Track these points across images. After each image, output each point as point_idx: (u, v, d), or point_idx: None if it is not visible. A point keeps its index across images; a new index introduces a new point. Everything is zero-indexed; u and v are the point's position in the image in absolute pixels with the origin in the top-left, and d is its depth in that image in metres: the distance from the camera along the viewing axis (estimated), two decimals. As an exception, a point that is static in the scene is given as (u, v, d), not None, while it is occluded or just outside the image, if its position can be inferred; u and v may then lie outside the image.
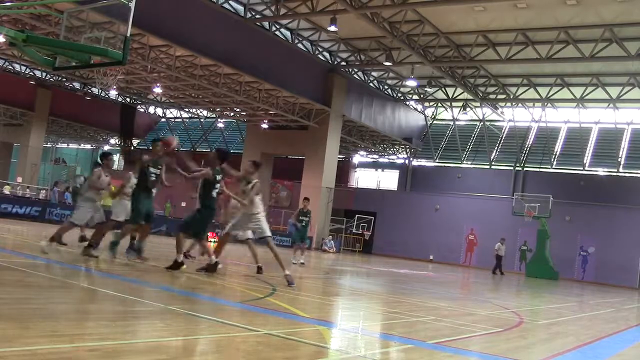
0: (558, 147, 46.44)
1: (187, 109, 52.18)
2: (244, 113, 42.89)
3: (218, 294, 9.56)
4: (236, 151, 51.88)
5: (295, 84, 36.53)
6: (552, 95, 41.05)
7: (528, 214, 37.42)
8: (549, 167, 45.81)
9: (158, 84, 38.30)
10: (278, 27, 35.64)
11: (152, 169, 12.16)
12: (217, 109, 44.67)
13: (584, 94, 39.69)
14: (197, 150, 57.64)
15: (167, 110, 59.26)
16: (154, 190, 12.60)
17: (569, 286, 30.20)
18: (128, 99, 53.01)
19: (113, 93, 48.04)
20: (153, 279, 10.37)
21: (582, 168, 44.44)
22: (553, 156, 46.09)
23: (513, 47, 33.12)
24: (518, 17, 30.64)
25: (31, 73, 46.34)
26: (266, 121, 42.77)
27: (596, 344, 8.74)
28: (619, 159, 43.80)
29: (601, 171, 43.87)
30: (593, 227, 39.78)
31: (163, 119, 63.08)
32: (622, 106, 42.48)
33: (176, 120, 62.53)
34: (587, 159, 44.88)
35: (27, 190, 41.29)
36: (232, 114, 45.09)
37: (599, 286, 34.05)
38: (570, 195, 40.83)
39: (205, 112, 52.19)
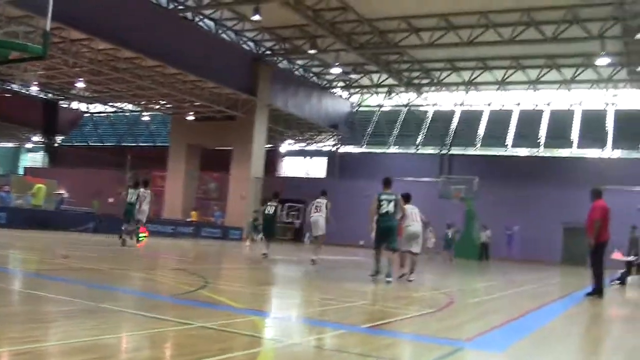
0: (481, 130, 47.45)
1: (111, 104, 51.13)
2: (170, 105, 42.31)
3: (149, 289, 9.46)
4: (163, 144, 51.27)
5: (221, 74, 36.23)
6: (474, 79, 41.92)
7: (455, 196, 38.12)
8: (474, 149, 46.76)
9: (81, 79, 37.41)
10: (201, 17, 35.29)
11: None
12: (142, 102, 43.95)
13: (505, 77, 40.70)
14: (124, 144, 56.74)
15: (91, 105, 57.96)
16: None
17: (497, 265, 30.94)
18: (50, 95, 51.66)
19: (34, 89, 46.76)
20: (84, 278, 10.21)
21: (505, 149, 45.55)
22: (477, 138, 47.06)
23: (435, 33, 33.64)
24: (439, 3, 31.13)
25: (-54, 70, 44.72)
26: (192, 113, 42.31)
27: (523, 318, 9.02)
28: (539, 140, 45.06)
29: (523, 151, 45.06)
30: (517, 206, 40.84)
31: (87, 114, 61.77)
32: (541, 88, 43.68)
33: (101, 115, 61.30)
34: (510, 140, 46.00)
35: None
36: (157, 106, 44.43)
37: (524, 263, 34.96)
38: (494, 176, 41.75)
39: (130, 106, 51.30)
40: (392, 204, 13.20)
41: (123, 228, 20.45)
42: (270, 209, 20.46)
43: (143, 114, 53.80)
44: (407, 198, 14.47)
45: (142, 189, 20.69)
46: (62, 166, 55.28)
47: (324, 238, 18.97)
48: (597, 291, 13.08)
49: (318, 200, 19.06)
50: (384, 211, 13.11)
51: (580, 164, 42.87)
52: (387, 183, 13.69)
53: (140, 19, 30.64)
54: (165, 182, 44.45)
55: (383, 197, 13.25)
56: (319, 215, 18.77)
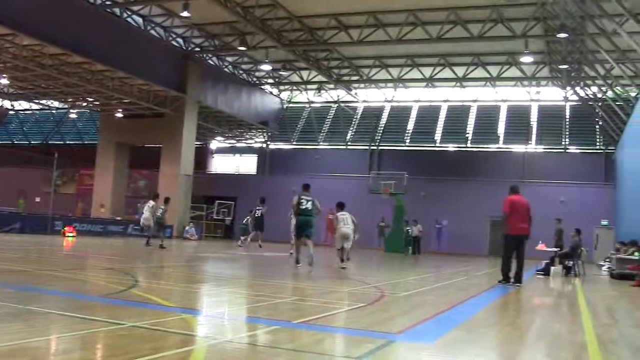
0: (410, 125, 48.09)
1: (37, 101, 49.76)
2: (97, 103, 41.43)
3: (78, 290, 9.30)
4: (91, 142, 50.33)
5: (149, 71, 35.74)
6: (403, 76, 42.46)
7: (384, 191, 38.58)
8: (403, 145, 47.37)
9: (4, 75, 36.31)
10: (130, 13, 34.78)
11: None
12: (69, 100, 42.88)
13: (433, 74, 41.33)
14: (51, 142, 55.41)
15: (16, 102, 56.30)
16: None
17: (427, 258, 31.40)
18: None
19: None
20: (10, 280, 9.98)
21: (433, 144, 46.30)
22: (406, 134, 47.69)
23: (365, 30, 33.90)
24: (368, 0, 31.39)
25: None
26: (121, 110, 41.59)
27: (452, 310, 9.23)
28: (467, 135, 45.97)
29: (451, 147, 45.87)
30: (446, 200, 41.64)
31: (12, 112, 60.02)
32: (468, 85, 44.53)
33: (26, 112, 59.65)
34: (438, 135, 46.77)
35: None
36: (85, 104, 43.46)
37: (453, 256, 35.62)
38: (423, 171, 42.48)
39: (56, 103, 50.08)
40: (309, 202, 16.53)
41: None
42: (258, 212, 26.22)
43: (70, 111, 52.66)
44: (341, 206, 17.95)
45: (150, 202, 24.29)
46: (-15, 165, 53.73)
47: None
48: (505, 279, 14.46)
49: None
50: (303, 207, 16.47)
51: (507, 159, 43.95)
52: (306, 187, 17.08)
53: (66, 15, 29.92)
54: (93, 181, 43.67)
55: (302, 197, 16.62)
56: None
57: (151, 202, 24.04)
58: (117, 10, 33.97)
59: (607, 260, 26.68)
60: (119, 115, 42.06)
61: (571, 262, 21.06)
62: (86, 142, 53.60)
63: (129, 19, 34.97)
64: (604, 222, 38.46)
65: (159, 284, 11.06)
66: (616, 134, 37.94)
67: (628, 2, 23.59)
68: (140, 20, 35.71)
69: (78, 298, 8.28)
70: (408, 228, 36.21)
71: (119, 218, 38.91)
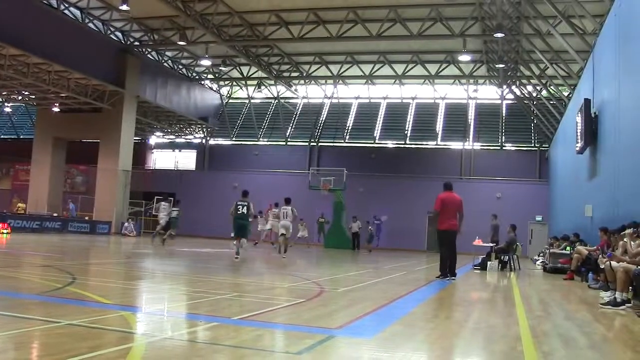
0: (350, 122, 48.36)
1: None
2: (34, 96, 40.45)
3: (13, 288, 9.12)
4: (27, 136, 49.26)
5: (87, 65, 35.12)
6: (343, 73, 42.64)
7: (324, 187, 38.73)
8: (342, 141, 47.58)
9: None
10: (67, 5, 34.12)
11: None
12: (4, 93, 41.73)
13: (373, 71, 41.62)
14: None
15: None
16: None
17: (366, 254, 31.63)
18: None
19: None
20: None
21: (372, 141, 46.65)
22: (345, 131, 47.93)
23: (305, 26, 33.97)
24: (308, -3, 31.51)
25: None
26: (58, 104, 40.73)
27: (391, 305, 9.35)
28: (405, 132, 46.46)
29: (390, 143, 46.29)
30: (385, 196, 42.00)
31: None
32: (407, 82, 45.02)
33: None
34: (377, 132, 47.13)
35: None
36: (20, 97, 42.37)
37: (392, 252, 35.98)
38: (363, 167, 42.79)
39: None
40: (245, 207, 18.81)
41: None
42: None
43: (5, 104, 51.40)
44: (287, 201, 21.43)
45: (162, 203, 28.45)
46: None
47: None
48: (443, 274, 14.80)
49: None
50: (239, 212, 18.79)
51: (445, 155, 44.58)
52: (244, 193, 19.47)
53: (1, 7, 29.18)
54: (29, 176, 42.71)
55: (239, 202, 18.93)
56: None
57: (164, 204, 27.99)
58: (54, 3, 33.26)
59: (541, 254, 27.34)
60: (56, 109, 41.21)
61: (507, 257, 21.52)
62: (22, 137, 52.44)
63: (66, 12, 34.28)
64: (538, 218, 39.41)
65: (97, 281, 10.94)
66: (550, 132, 38.86)
67: (561, 5, 24.19)
68: (78, 13, 35.03)
69: (12, 296, 8.12)
70: (361, 226, 36.47)
71: (55, 214, 38.16)
